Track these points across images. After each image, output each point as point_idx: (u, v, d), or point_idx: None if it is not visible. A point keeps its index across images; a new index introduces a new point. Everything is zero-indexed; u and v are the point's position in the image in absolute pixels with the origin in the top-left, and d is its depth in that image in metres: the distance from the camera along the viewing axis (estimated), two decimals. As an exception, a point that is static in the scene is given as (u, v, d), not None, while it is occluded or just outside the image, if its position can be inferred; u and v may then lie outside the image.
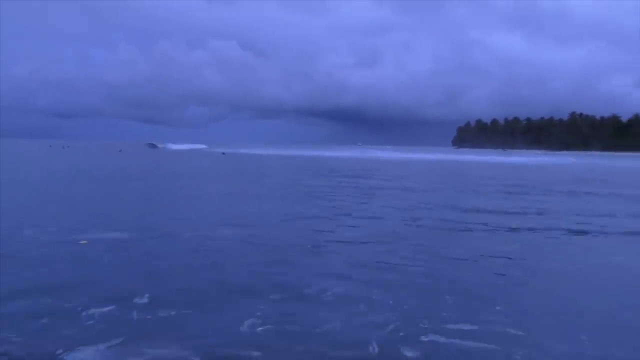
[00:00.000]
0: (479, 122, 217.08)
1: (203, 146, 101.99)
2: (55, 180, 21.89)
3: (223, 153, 72.45)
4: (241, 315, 5.09)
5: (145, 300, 5.52)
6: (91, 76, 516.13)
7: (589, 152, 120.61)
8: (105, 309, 5.19)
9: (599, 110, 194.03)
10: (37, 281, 6.18)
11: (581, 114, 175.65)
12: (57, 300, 5.40)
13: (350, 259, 7.64)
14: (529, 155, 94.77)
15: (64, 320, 4.84)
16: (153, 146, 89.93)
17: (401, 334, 4.68)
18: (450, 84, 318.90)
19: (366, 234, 9.78)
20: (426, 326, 4.85)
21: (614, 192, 21.75)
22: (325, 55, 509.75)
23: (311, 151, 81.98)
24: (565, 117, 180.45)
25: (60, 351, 4.16)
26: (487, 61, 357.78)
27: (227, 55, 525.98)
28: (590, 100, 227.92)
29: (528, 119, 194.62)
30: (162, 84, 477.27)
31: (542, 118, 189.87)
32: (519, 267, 7.46)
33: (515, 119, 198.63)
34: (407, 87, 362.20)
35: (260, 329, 4.79)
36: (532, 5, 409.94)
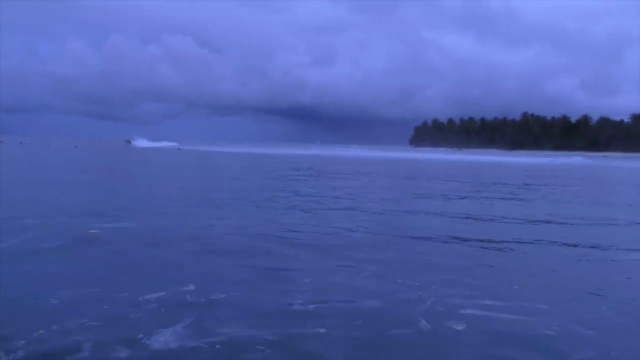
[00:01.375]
0: (435, 121, 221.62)
1: (174, 143, 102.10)
2: (39, 178, 21.47)
3: (179, 149, 77.21)
4: (287, 293, 5.56)
5: (191, 287, 5.86)
6: (39, 69, 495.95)
7: (566, 152, 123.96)
8: (159, 295, 5.51)
9: (545, 110, 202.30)
10: (71, 270, 6.43)
11: (532, 115, 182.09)
12: (106, 289, 5.66)
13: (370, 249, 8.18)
14: (492, 154, 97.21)
15: (126, 307, 5.13)
16: (128, 142, 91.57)
17: (440, 308, 5.23)
18: (405, 84, 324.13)
19: (368, 228, 10.34)
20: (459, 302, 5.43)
21: None
22: (281, 53, 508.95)
23: (285, 149, 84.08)
24: (517, 117, 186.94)
25: (140, 334, 4.45)
26: (441, 61, 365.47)
27: (182, 51, 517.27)
28: (538, 101, 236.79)
29: (482, 119, 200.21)
30: (115, 79, 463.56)
31: (495, 118, 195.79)
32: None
33: (471, 118, 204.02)
34: (362, 86, 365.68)
35: (311, 306, 5.25)
36: (481, 7, 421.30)
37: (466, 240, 9.24)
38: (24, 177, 22.29)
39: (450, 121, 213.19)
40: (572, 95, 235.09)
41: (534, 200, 17.29)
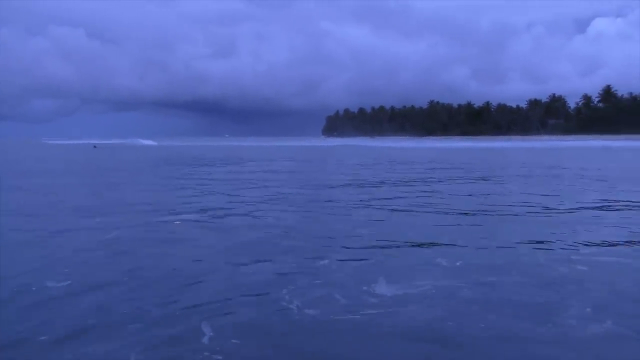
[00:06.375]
0: (347, 111, 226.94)
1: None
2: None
3: (95, 146, 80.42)
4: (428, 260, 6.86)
5: (335, 256, 7.05)
6: None
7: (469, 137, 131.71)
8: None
9: (443, 98, 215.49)
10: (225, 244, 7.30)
11: (438, 102, 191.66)
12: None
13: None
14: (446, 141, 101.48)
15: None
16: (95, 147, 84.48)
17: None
18: (308, 74, 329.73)
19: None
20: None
21: None
22: (180, 45, 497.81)
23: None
24: (424, 105, 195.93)
25: (364, 287, 5.57)
26: (341, 52, 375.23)
27: (74, 44, 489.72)
28: (436, 90, 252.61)
29: (392, 108, 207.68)
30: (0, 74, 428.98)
31: (404, 106, 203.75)
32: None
33: (381, 107, 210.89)
34: (266, 78, 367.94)
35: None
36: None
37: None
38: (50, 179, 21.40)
39: (362, 110, 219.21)
40: (465, 83, 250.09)
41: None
